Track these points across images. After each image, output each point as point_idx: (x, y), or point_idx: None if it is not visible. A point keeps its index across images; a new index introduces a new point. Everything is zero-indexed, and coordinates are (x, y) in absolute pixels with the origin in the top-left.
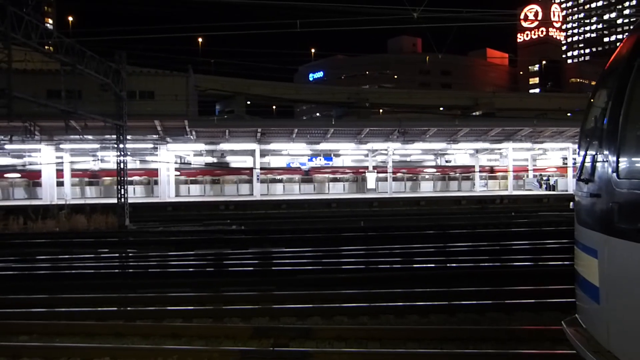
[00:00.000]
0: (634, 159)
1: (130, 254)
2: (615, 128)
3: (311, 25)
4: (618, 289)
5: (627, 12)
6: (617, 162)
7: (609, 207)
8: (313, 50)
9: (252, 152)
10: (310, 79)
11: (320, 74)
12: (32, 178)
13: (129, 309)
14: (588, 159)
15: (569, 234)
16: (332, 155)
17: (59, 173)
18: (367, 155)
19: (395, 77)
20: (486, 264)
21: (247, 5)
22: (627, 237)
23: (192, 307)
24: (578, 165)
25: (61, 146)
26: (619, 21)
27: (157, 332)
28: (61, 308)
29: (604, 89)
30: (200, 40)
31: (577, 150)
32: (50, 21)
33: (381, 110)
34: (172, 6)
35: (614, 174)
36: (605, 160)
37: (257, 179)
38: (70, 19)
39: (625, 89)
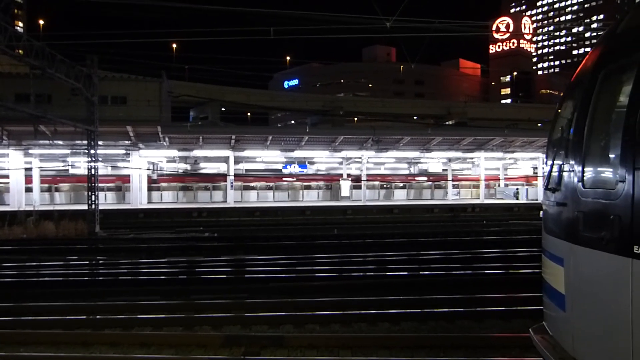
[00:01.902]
0: (598, 169)
1: (100, 262)
2: (580, 138)
3: (286, 33)
4: (583, 296)
5: (594, 25)
6: (583, 172)
7: (574, 216)
8: (288, 58)
9: (226, 159)
10: (285, 86)
11: (295, 82)
12: None
13: (97, 317)
14: (555, 168)
15: (537, 242)
16: (306, 162)
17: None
18: (341, 163)
19: (370, 85)
20: (457, 272)
21: (222, 12)
22: (592, 246)
23: (162, 315)
24: (546, 174)
25: (30, 151)
26: (587, 35)
27: (125, 341)
28: (26, 317)
29: (570, 100)
30: (174, 46)
31: (545, 159)
32: (21, 24)
33: (355, 119)
34: (146, 11)
35: (580, 184)
36: (571, 170)
37: (231, 186)
38: (41, 22)
39: (590, 100)
